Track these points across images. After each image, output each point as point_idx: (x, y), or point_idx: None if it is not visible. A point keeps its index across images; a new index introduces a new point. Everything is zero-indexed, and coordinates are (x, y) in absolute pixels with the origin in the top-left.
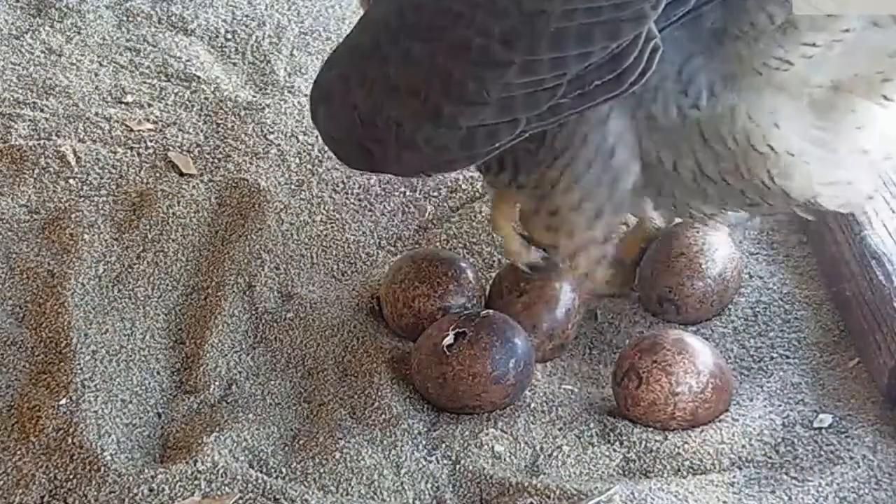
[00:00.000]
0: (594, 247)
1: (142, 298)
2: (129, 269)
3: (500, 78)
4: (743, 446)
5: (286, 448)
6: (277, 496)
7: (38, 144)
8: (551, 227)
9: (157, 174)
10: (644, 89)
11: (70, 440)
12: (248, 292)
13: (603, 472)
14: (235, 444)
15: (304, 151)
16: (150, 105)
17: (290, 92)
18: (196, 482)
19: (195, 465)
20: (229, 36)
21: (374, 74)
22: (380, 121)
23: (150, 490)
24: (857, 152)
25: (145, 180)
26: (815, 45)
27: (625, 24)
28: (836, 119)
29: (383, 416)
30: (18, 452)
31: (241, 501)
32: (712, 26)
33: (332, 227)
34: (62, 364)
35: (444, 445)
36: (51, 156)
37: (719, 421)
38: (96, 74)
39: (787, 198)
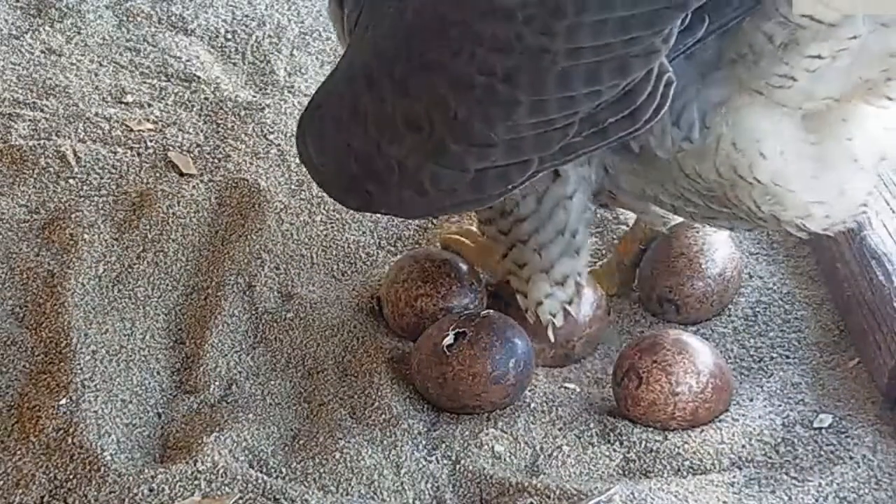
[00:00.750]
0: (554, 299)
1: (142, 298)
2: (129, 269)
3: (508, 118)
4: (743, 446)
5: (286, 448)
6: (277, 496)
7: (38, 144)
8: (518, 276)
9: (157, 174)
10: None
11: (70, 440)
12: (248, 292)
13: (603, 472)
14: (235, 444)
15: None
16: (150, 105)
17: (290, 92)
18: (196, 482)
19: (195, 465)
20: (229, 36)
21: (369, 109)
22: (379, 159)
23: (150, 490)
24: (848, 162)
25: (145, 180)
26: (819, 58)
27: (635, 61)
28: (826, 131)
29: (383, 416)
30: (18, 452)
31: (241, 501)
32: (708, 54)
33: (332, 227)
34: (62, 364)
35: (444, 445)
36: (51, 156)
37: (719, 421)
38: (96, 74)
39: (777, 221)
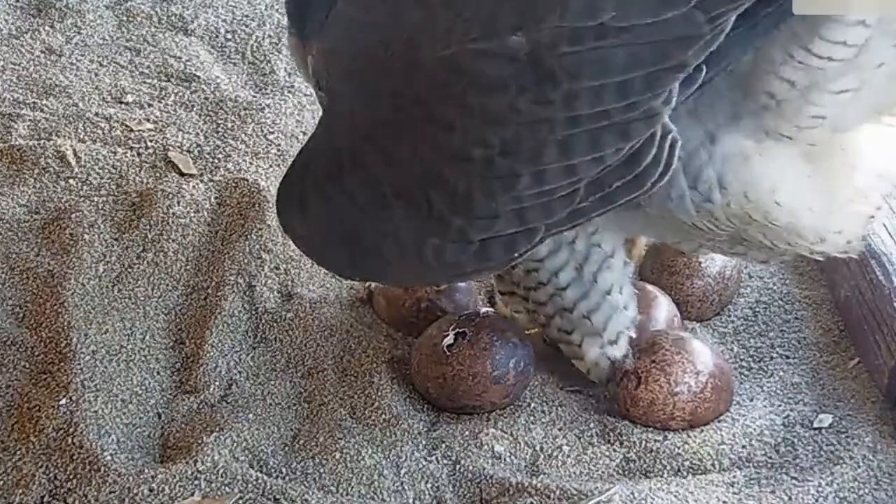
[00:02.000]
0: (607, 359)
1: (142, 298)
2: (129, 269)
3: (510, 190)
4: (743, 446)
5: (286, 448)
6: (277, 496)
7: (38, 144)
8: (569, 343)
9: (157, 174)
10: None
11: (70, 440)
12: (248, 292)
13: (603, 472)
14: (235, 444)
15: None
16: (150, 105)
17: (290, 92)
18: (196, 482)
19: (195, 465)
20: (229, 36)
21: (355, 182)
22: (372, 234)
23: (150, 490)
24: (854, 189)
25: (145, 180)
26: (846, 92)
27: (636, 125)
28: (829, 164)
29: (383, 416)
30: (18, 452)
31: (241, 501)
32: (721, 109)
33: None
34: (62, 364)
35: (444, 445)
36: (51, 156)
37: (719, 421)
38: (96, 74)
39: (794, 251)
